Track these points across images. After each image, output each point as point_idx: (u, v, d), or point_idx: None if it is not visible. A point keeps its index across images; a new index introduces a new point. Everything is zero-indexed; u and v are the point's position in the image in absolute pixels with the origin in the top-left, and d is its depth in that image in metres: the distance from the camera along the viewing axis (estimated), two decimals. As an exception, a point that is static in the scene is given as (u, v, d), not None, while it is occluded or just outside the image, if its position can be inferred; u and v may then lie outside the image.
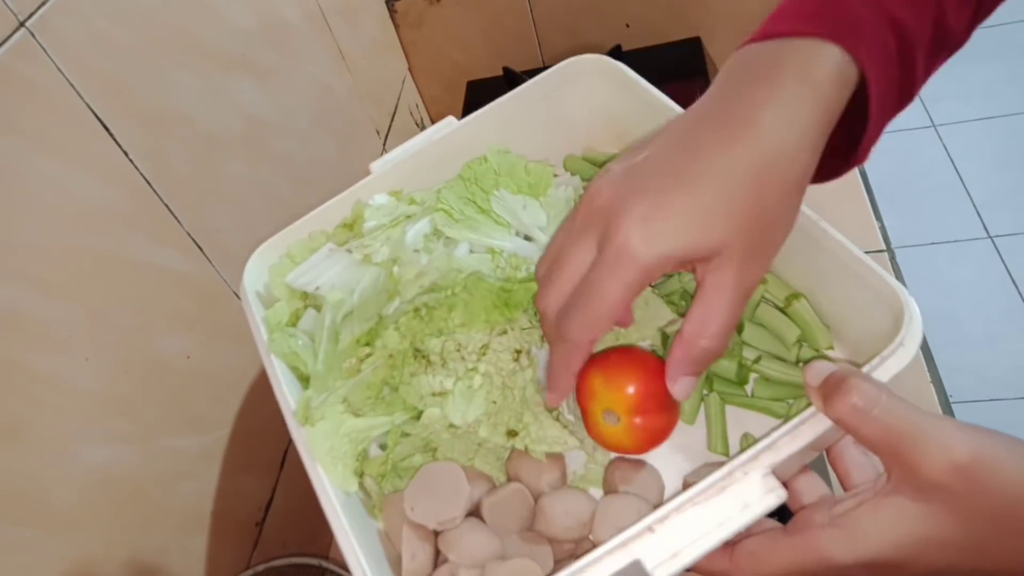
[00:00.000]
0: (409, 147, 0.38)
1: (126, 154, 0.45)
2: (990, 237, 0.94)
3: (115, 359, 0.43)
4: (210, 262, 0.52)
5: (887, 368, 0.26)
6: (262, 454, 0.57)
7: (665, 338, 0.34)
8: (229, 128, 0.56)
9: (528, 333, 0.32)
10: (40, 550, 0.37)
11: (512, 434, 0.30)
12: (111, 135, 0.44)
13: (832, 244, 0.30)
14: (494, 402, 0.30)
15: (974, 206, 0.98)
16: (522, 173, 0.37)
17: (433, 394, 0.30)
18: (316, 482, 0.29)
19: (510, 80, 0.84)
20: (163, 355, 0.47)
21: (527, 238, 0.36)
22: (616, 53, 0.83)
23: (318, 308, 0.35)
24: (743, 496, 0.24)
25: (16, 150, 0.38)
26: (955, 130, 1.10)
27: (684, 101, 0.76)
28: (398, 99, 0.94)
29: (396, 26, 0.95)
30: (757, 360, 0.33)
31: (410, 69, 0.99)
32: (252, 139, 0.59)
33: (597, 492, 0.32)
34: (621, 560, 0.23)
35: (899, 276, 0.70)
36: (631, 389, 0.29)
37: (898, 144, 1.08)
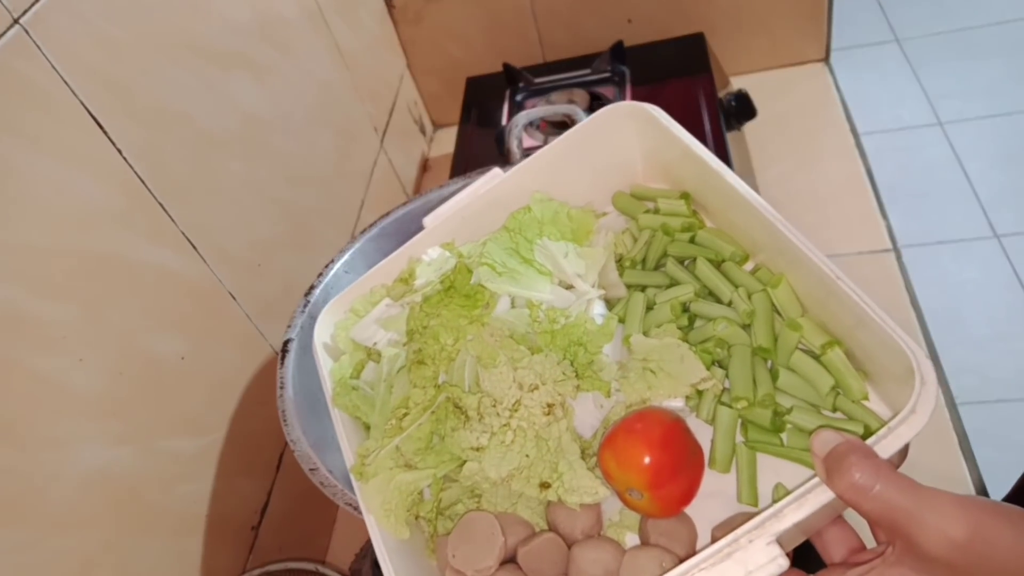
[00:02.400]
0: (458, 200, 0.41)
1: (120, 152, 0.44)
2: (996, 236, 0.93)
3: (109, 360, 0.43)
4: (205, 262, 0.51)
5: (898, 436, 0.26)
6: (258, 457, 0.57)
7: (699, 395, 0.34)
8: (226, 126, 0.56)
9: (561, 385, 0.33)
10: (36, 552, 0.37)
11: (545, 486, 0.32)
12: (105, 133, 0.43)
13: (849, 301, 0.30)
14: (527, 455, 0.32)
15: (980, 205, 0.98)
16: (564, 220, 0.39)
17: (472, 448, 0.32)
18: (371, 530, 0.32)
19: (510, 76, 0.84)
20: (158, 355, 0.47)
21: (568, 287, 0.38)
22: (618, 48, 0.82)
23: (378, 361, 0.38)
24: (747, 564, 0.26)
25: (9, 148, 0.38)
26: (961, 128, 1.09)
27: (686, 98, 0.76)
28: (396, 96, 0.93)
29: (395, 23, 0.94)
30: (790, 411, 0.33)
31: (408, 66, 0.98)
32: (249, 137, 0.59)
33: (633, 537, 0.34)
34: None
35: (905, 276, 0.69)
36: (644, 463, 0.30)
37: (903, 142, 1.08)
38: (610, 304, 0.38)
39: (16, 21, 0.38)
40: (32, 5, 0.39)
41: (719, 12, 0.89)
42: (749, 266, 0.37)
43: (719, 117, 0.71)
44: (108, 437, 0.42)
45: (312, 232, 0.67)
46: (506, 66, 0.84)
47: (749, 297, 0.35)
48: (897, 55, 1.21)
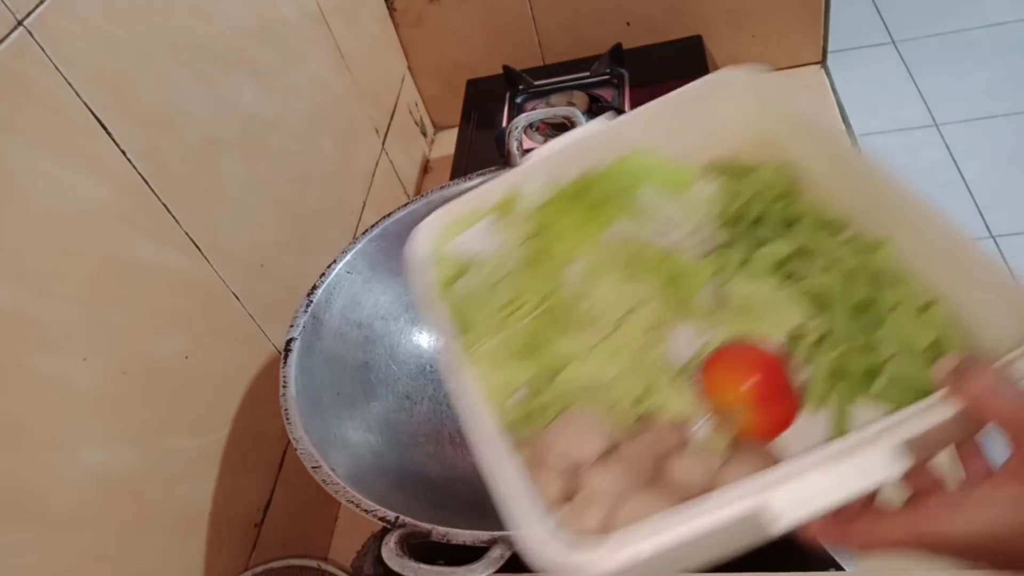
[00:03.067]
0: (564, 140, 0.41)
1: (124, 153, 0.45)
2: (992, 237, 0.94)
3: (113, 359, 0.43)
4: (208, 262, 0.52)
5: (1016, 370, 0.27)
6: (261, 455, 0.57)
7: (793, 341, 0.34)
8: (228, 127, 0.56)
9: (663, 312, 0.34)
10: (38, 551, 0.37)
11: (640, 401, 0.32)
12: (109, 134, 0.44)
13: (958, 247, 0.31)
14: (625, 369, 0.32)
15: (976, 206, 0.98)
16: (665, 172, 0.40)
17: (572, 355, 0.33)
18: (467, 422, 0.30)
19: (510, 78, 0.84)
20: (161, 355, 0.47)
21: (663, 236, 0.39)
22: (617, 51, 0.82)
23: (480, 272, 0.38)
24: (868, 463, 0.25)
25: (14, 149, 0.38)
26: (957, 129, 1.10)
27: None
28: (397, 98, 0.94)
29: (395, 25, 0.94)
30: (888, 360, 0.33)
31: (409, 68, 0.99)
32: (251, 138, 0.59)
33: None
34: (739, 507, 0.24)
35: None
36: (745, 386, 0.31)
37: (900, 143, 1.08)
38: (707, 257, 0.38)
39: (20, 23, 0.39)
40: (36, 7, 0.40)
41: (717, 15, 0.89)
42: (848, 235, 0.37)
43: (717, 119, 0.71)
44: (111, 436, 0.42)
45: (314, 233, 0.67)
46: (506, 68, 0.84)
47: (849, 257, 0.35)
48: (894, 57, 1.22)
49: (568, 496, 0.30)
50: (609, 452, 0.31)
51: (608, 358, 0.32)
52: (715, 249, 0.38)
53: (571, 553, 0.24)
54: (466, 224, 0.39)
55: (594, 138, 0.40)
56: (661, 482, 0.31)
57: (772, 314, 0.33)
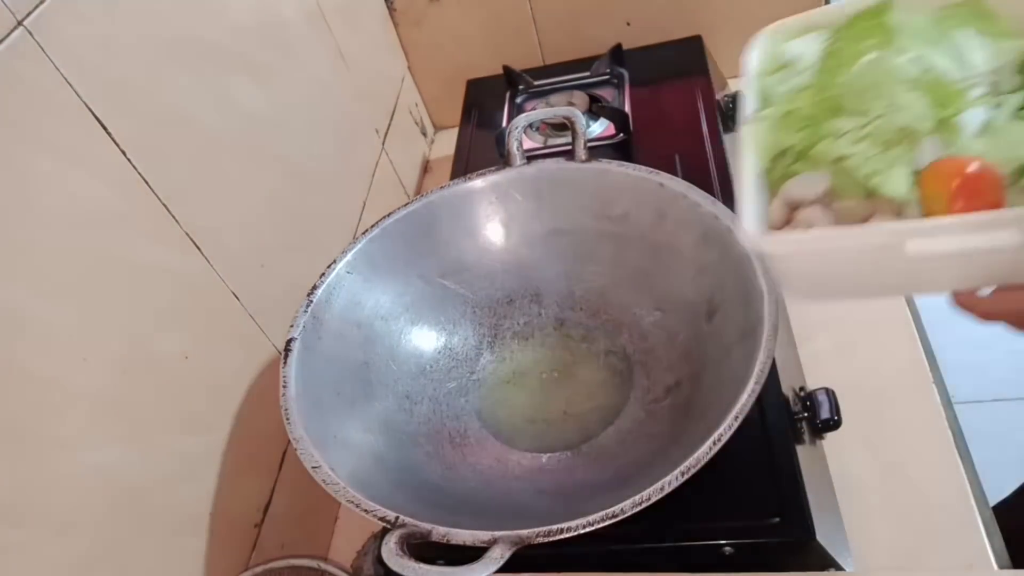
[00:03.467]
0: None
1: (124, 153, 0.45)
2: (992, 236, 0.94)
3: (113, 359, 0.43)
4: (208, 262, 0.52)
5: None
6: (261, 455, 0.57)
7: (1018, 173, 0.35)
8: (228, 127, 0.56)
9: (924, 121, 0.36)
10: (38, 552, 0.37)
11: (870, 177, 0.36)
12: (109, 134, 0.44)
13: None
14: (871, 153, 0.36)
15: (976, 205, 0.99)
16: (990, 21, 0.41)
17: (834, 133, 0.37)
18: (739, 161, 0.38)
19: (510, 79, 0.84)
20: (161, 355, 0.47)
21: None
22: (617, 51, 0.82)
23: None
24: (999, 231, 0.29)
25: (13, 149, 0.38)
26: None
27: (684, 100, 0.76)
28: (397, 98, 0.94)
29: (396, 25, 0.94)
30: None
31: (409, 68, 0.99)
32: (251, 138, 0.59)
33: None
34: (882, 233, 0.32)
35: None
36: (967, 170, 0.33)
37: (900, 143, 1.09)
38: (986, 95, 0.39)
39: (20, 23, 0.39)
40: (36, 7, 0.40)
41: (717, 15, 0.89)
42: None
43: (717, 119, 0.72)
44: (111, 436, 0.42)
45: (314, 233, 0.67)
46: (506, 68, 0.84)
47: None
48: (894, 57, 1.22)
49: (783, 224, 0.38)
50: (828, 204, 0.37)
51: (861, 141, 0.37)
52: (997, 92, 0.38)
53: (762, 236, 0.34)
54: (804, 31, 0.44)
55: None
56: None
57: (1012, 146, 0.35)
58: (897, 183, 0.36)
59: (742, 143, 0.40)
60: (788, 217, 0.38)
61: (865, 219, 0.37)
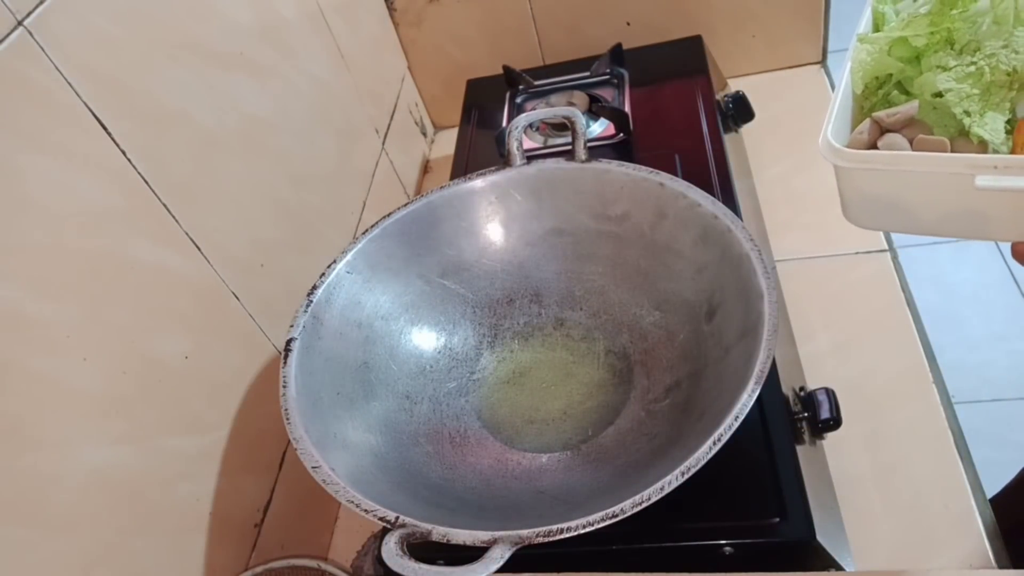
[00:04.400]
0: None
1: (124, 153, 0.45)
2: (992, 236, 0.94)
3: (113, 359, 0.43)
4: (208, 262, 0.52)
5: None
6: (261, 455, 0.57)
7: None
8: (227, 126, 0.56)
9: None
10: (37, 552, 0.37)
11: (967, 115, 0.37)
12: (109, 134, 0.44)
13: None
14: (972, 92, 0.36)
15: None
16: None
17: (939, 66, 0.37)
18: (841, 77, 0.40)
19: (510, 78, 0.84)
20: (161, 355, 0.47)
21: None
22: (617, 51, 0.82)
23: None
24: None
25: (13, 149, 0.38)
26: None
27: (684, 100, 0.76)
28: (397, 98, 0.94)
29: (395, 24, 0.94)
30: None
31: (409, 68, 0.99)
32: (250, 137, 0.59)
33: None
34: (955, 163, 0.32)
35: (902, 276, 0.70)
36: None
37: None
38: None
39: (20, 23, 0.39)
40: (36, 7, 0.40)
41: (717, 15, 0.89)
42: None
43: (717, 119, 0.72)
44: (111, 437, 0.42)
45: (314, 233, 0.68)
46: (506, 68, 0.84)
47: None
48: (894, 57, 1.23)
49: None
50: (912, 136, 0.37)
51: (965, 80, 0.37)
52: None
53: (839, 149, 0.35)
54: None
55: None
56: None
57: None
58: (994, 127, 0.35)
59: (845, 60, 0.40)
60: (872, 142, 0.38)
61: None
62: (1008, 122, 0.36)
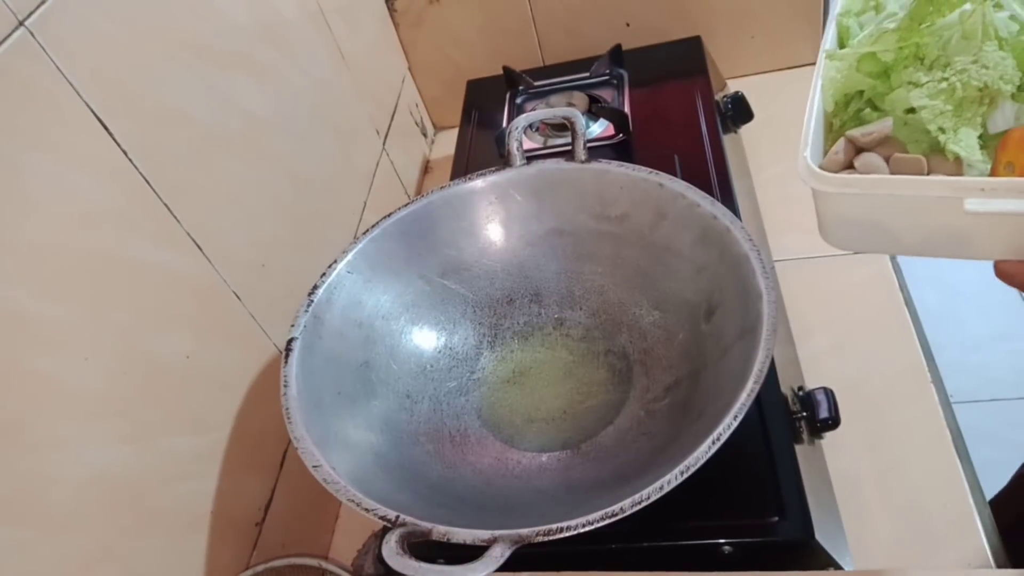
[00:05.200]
0: None
1: (125, 153, 0.45)
2: (991, 237, 0.94)
3: (114, 359, 0.43)
4: (209, 261, 0.52)
5: None
6: (262, 455, 0.57)
7: None
8: (228, 127, 0.56)
9: (1005, 82, 0.36)
10: (38, 552, 0.37)
11: (940, 132, 0.36)
12: (110, 134, 0.44)
13: None
14: (944, 109, 0.36)
15: None
16: None
17: (909, 83, 0.37)
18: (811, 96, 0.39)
19: (510, 79, 0.84)
20: (162, 355, 0.47)
21: None
22: (617, 52, 0.82)
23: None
24: None
25: (14, 149, 0.38)
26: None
27: (684, 101, 0.76)
28: (398, 98, 0.94)
29: (396, 25, 0.95)
30: None
31: (410, 68, 0.99)
32: (251, 137, 0.59)
33: None
34: (938, 186, 0.32)
35: (900, 276, 0.70)
36: None
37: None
38: None
39: (21, 23, 0.39)
40: (37, 7, 0.40)
41: (716, 16, 0.89)
42: None
43: (716, 119, 0.72)
44: (112, 436, 0.42)
45: (315, 233, 0.68)
46: (506, 69, 0.84)
47: None
48: (893, 58, 1.23)
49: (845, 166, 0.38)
50: (886, 155, 0.37)
51: (938, 96, 0.36)
52: None
53: (819, 173, 0.35)
54: None
55: None
56: None
57: None
58: (968, 143, 0.35)
59: (814, 78, 0.40)
60: (847, 162, 0.38)
61: (920, 175, 0.36)
62: (980, 137, 0.36)
